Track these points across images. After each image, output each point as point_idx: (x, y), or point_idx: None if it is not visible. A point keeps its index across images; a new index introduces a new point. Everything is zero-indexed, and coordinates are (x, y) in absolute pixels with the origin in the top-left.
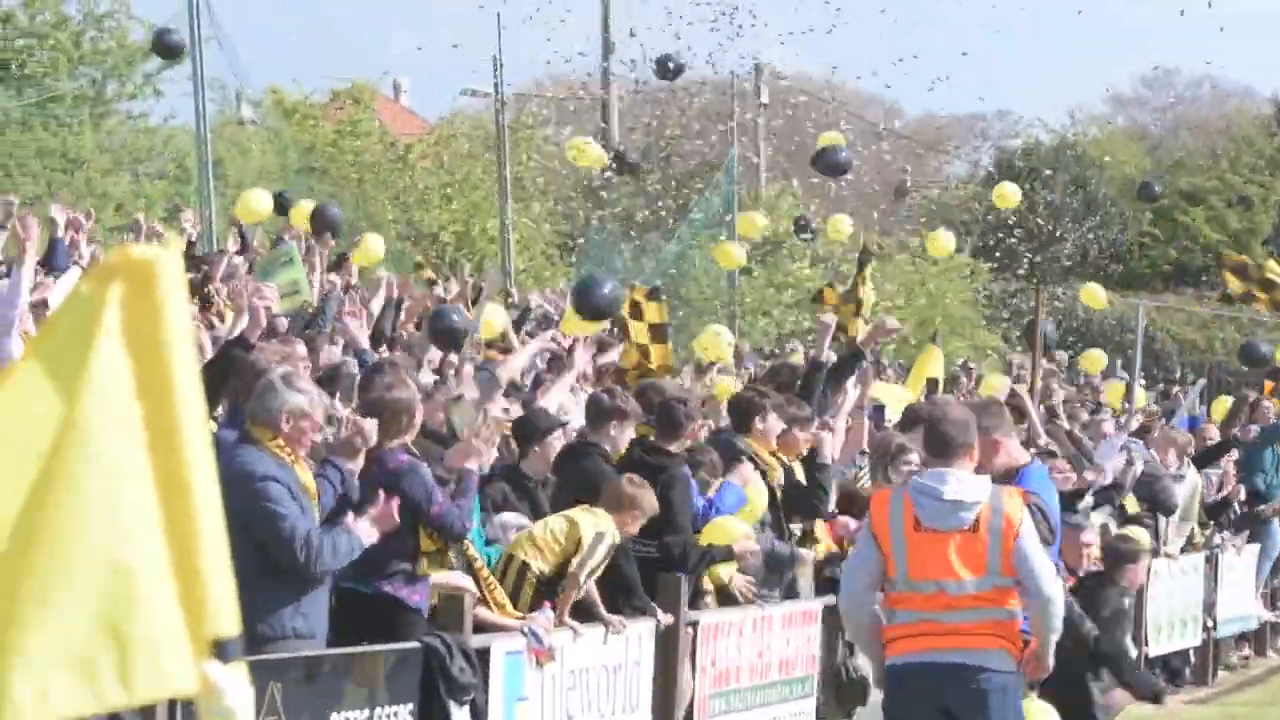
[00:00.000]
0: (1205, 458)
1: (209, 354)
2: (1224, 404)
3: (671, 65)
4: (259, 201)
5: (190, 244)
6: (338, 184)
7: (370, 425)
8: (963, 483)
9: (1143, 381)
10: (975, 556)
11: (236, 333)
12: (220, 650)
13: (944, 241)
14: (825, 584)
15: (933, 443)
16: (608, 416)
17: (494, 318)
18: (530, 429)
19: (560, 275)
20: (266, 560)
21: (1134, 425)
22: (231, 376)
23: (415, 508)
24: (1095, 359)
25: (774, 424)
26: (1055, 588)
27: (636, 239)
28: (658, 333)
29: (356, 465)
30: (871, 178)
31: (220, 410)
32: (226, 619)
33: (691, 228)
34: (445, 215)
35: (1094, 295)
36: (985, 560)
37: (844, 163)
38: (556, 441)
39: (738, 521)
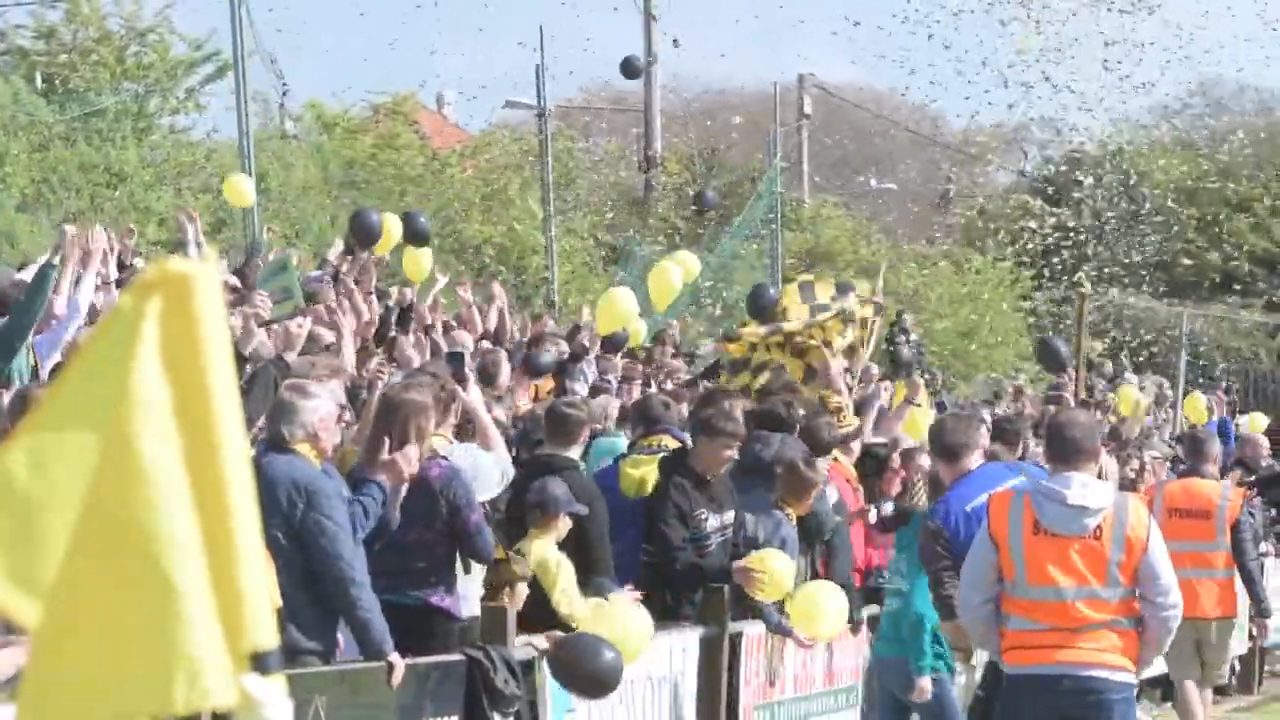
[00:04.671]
0: (1269, 485)
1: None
2: (1257, 422)
3: (635, 63)
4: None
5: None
6: (380, 197)
7: (413, 453)
8: (1087, 488)
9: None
10: (1098, 564)
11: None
12: (259, 663)
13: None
14: (869, 594)
15: (1057, 447)
16: (574, 426)
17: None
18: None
19: (604, 285)
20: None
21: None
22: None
23: (456, 513)
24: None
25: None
26: (1179, 596)
27: (681, 248)
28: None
29: (401, 488)
30: (917, 187)
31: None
32: (264, 632)
33: (734, 239)
34: (487, 228)
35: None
36: (1107, 569)
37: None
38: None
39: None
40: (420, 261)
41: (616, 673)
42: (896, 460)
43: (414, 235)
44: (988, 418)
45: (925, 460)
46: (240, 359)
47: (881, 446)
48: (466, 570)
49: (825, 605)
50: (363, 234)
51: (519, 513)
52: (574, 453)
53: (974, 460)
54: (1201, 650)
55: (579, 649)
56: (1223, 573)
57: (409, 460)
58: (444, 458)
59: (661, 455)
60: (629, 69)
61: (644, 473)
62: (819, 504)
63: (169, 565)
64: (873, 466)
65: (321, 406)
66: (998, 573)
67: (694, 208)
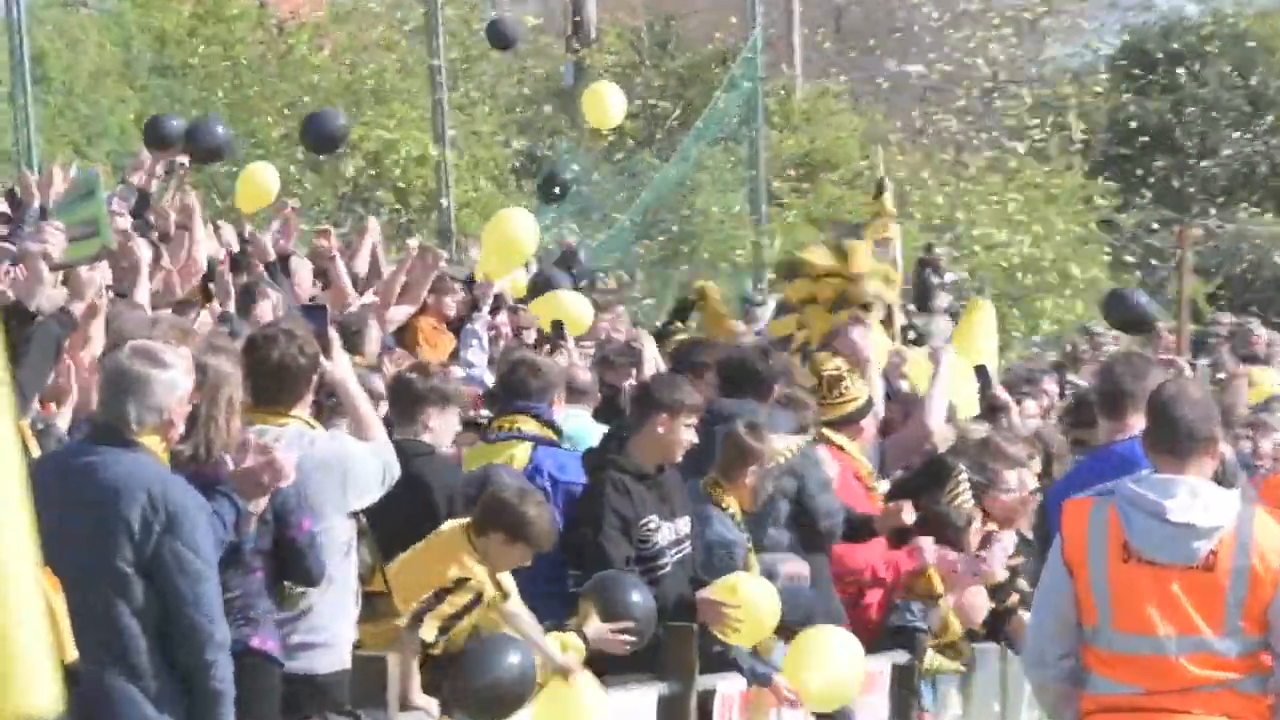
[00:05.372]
0: None
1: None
2: None
3: (504, 29)
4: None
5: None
6: (204, 88)
7: (290, 461)
8: (1198, 497)
9: None
10: (1210, 605)
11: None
12: None
13: None
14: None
15: (1160, 434)
16: (422, 403)
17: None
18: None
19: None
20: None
21: None
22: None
23: (282, 521)
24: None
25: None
26: None
27: (623, 158)
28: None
29: (259, 508)
30: (952, 73)
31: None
32: (41, 694)
33: (699, 142)
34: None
35: None
36: (1224, 612)
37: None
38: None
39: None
40: (260, 182)
41: (521, 684)
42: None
43: (205, 151)
44: (1052, 388)
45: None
46: (24, 317)
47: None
48: (282, 602)
49: (831, 659)
50: (204, 146)
51: (401, 519)
52: (428, 437)
53: (1140, 420)
54: None
55: (473, 656)
56: None
57: (276, 469)
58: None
59: (525, 441)
60: (498, 35)
61: None
62: (825, 498)
63: None
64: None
65: (180, 382)
66: (1077, 615)
67: (542, 188)
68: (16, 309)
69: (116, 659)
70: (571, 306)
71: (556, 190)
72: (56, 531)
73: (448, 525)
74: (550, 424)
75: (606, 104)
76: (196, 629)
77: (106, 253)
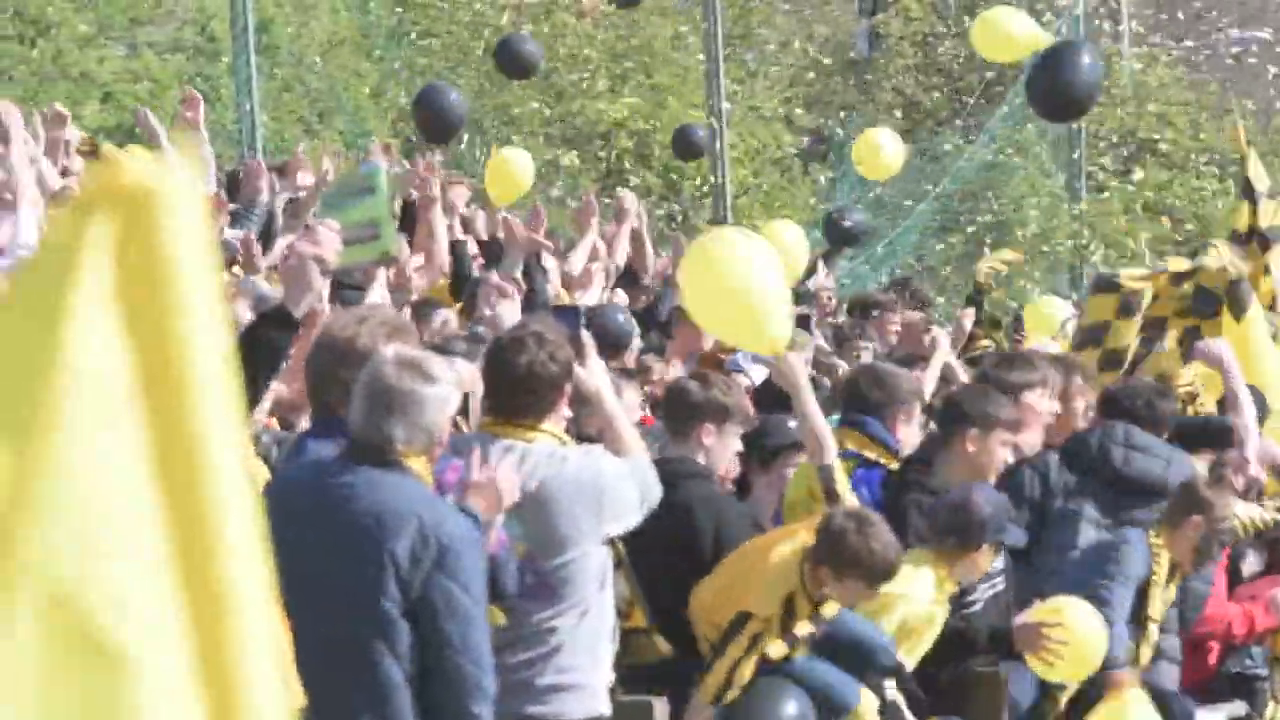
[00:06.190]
0: None
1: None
2: None
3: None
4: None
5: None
6: (452, 59)
7: (515, 477)
8: None
9: None
10: None
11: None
12: None
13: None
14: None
15: None
16: (698, 417)
17: None
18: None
19: (806, 195)
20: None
21: None
22: (259, 364)
23: None
24: None
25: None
26: None
27: (916, 138)
28: None
29: (496, 521)
30: None
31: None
32: None
33: (1007, 121)
34: (621, 107)
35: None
36: None
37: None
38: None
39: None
40: (512, 169)
41: None
42: None
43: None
44: None
45: None
46: (286, 324)
47: None
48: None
49: None
50: (434, 121)
51: (660, 549)
52: (702, 456)
53: None
54: None
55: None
56: None
57: (508, 479)
58: (456, 458)
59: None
60: (684, 144)
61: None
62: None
63: (114, 624)
64: None
65: (450, 397)
66: None
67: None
68: (278, 315)
69: (374, 709)
70: None
71: (845, 237)
72: (299, 560)
73: (789, 541)
74: (882, 442)
75: (880, 150)
76: (463, 677)
77: (387, 260)
